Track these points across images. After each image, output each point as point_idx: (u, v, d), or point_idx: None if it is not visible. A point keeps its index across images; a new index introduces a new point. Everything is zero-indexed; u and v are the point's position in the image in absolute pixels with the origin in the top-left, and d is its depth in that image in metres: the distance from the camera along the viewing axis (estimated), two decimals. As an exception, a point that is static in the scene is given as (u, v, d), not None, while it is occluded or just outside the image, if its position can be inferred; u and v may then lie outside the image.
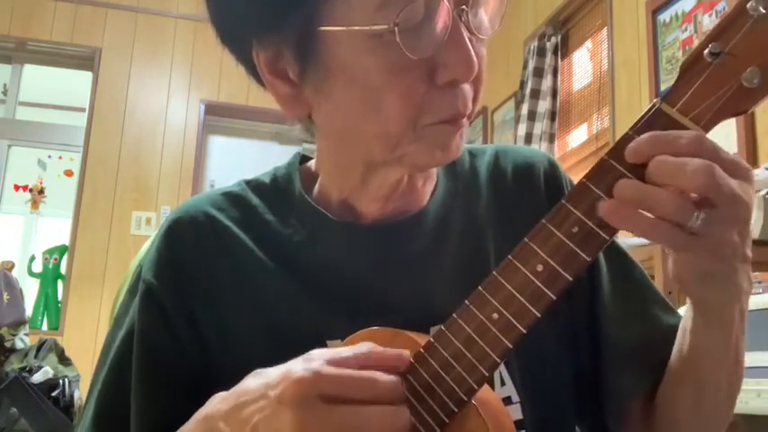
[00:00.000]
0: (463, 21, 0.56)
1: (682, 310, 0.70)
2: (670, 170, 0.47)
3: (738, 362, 0.62)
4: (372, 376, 0.49)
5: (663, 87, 2.72)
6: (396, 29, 0.54)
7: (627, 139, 0.50)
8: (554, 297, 0.50)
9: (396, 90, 0.56)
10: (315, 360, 0.49)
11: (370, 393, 0.49)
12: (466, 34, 0.56)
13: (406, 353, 0.53)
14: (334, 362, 0.49)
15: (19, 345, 3.21)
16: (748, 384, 1.40)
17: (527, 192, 0.71)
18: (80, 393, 3.20)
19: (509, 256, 0.52)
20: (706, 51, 0.49)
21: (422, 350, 0.55)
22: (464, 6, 0.56)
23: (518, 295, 0.51)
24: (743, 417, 1.57)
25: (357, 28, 0.55)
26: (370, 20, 0.55)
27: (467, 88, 0.58)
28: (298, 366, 0.49)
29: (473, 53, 0.56)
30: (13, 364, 3.10)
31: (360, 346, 0.51)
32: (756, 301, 1.44)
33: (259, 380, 0.51)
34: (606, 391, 0.68)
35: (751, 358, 1.40)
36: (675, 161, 0.47)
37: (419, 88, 0.57)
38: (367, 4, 0.55)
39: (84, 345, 4.09)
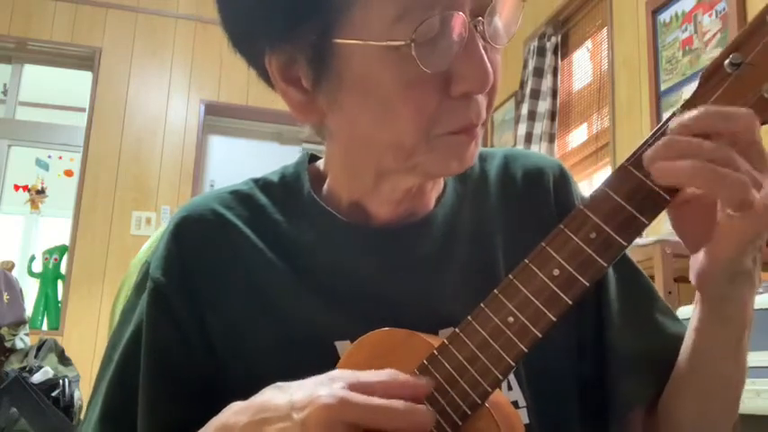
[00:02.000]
0: (479, 31, 0.56)
1: (680, 310, 0.70)
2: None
3: (744, 362, 0.63)
4: (398, 406, 0.49)
5: (663, 87, 2.72)
6: (412, 44, 0.53)
7: (646, 147, 0.50)
8: (570, 302, 0.50)
9: (410, 102, 0.56)
10: (338, 382, 0.49)
11: (395, 423, 0.49)
12: (481, 44, 0.56)
13: (428, 382, 0.53)
14: (357, 386, 0.49)
15: (19, 345, 3.21)
16: (748, 384, 1.40)
17: (536, 197, 0.71)
18: (80, 393, 3.20)
19: (525, 260, 0.52)
20: (726, 62, 0.49)
21: (435, 352, 0.54)
22: (480, 17, 0.56)
23: (534, 299, 0.51)
24: (742, 417, 1.57)
25: (373, 43, 0.55)
26: (386, 34, 0.54)
27: (480, 98, 0.58)
28: (323, 390, 0.48)
29: (488, 65, 0.56)
30: (13, 364, 3.10)
31: (382, 373, 0.51)
32: (757, 301, 1.44)
33: (282, 397, 0.50)
34: (609, 398, 0.67)
35: (751, 358, 1.40)
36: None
37: (433, 100, 0.56)
38: (383, 18, 0.54)
39: (84, 345, 4.10)
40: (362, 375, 0.50)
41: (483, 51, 0.56)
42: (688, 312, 0.67)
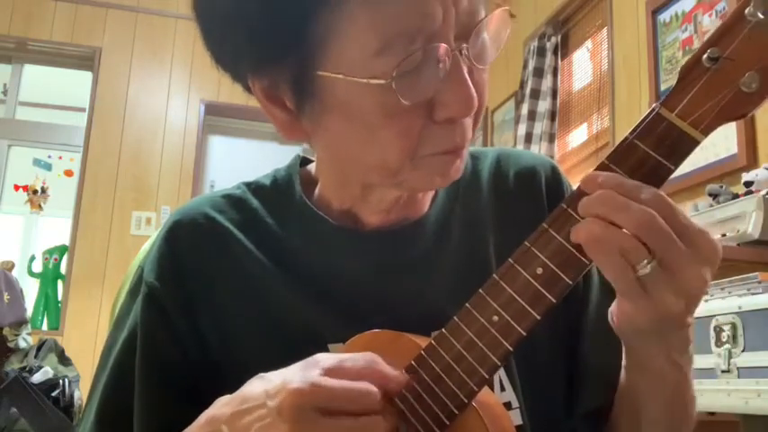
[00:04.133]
0: (464, 55, 0.55)
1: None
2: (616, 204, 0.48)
3: (685, 404, 0.62)
4: (368, 389, 0.49)
5: (663, 87, 2.73)
6: (393, 81, 0.53)
7: (627, 143, 0.51)
8: (554, 300, 0.50)
9: (393, 129, 0.56)
10: (314, 368, 0.50)
11: (366, 406, 0.49)
12: (466, 66, 0.56)
13: (404, 375, 0.53)
14: (332, 371, 0.49)
15: (22, 344, 3.21)
16: (748, 384, 1.40)
17: (528, 196, 0.71)
18: (80, 393, 3.20)
19: (509, 260, 0.53)
20: (705, 56, 0.49)
21: (423, 352, 0.55)
22: (465, 43, 0.55)
23: (518, 298, 0.51)
24: (743, 417, 1.57)
25: (355, 79, 0.54)
26: (367, 68, 0.54)
27: (466, 120, 0.58)
28: (296, 376, 0.49)
29: (473, 90, 0.55)
30: (13, 364, 3.10)
31: (361, 357, 0.51)
32: (756, 301, 1.44)
33: (261, 386, 0.51)
34: (573, 401, 0.68)
35: (751, 358, 1.41)
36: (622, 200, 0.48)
37: (417, 125, 0.56)
38: (364, 51, 0.54)
39: (84, 345, 4.09)
40: (340, 359, 0.51)
41: (467, 76, 0.55)
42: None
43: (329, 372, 0.49)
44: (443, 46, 0.54)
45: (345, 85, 0.56)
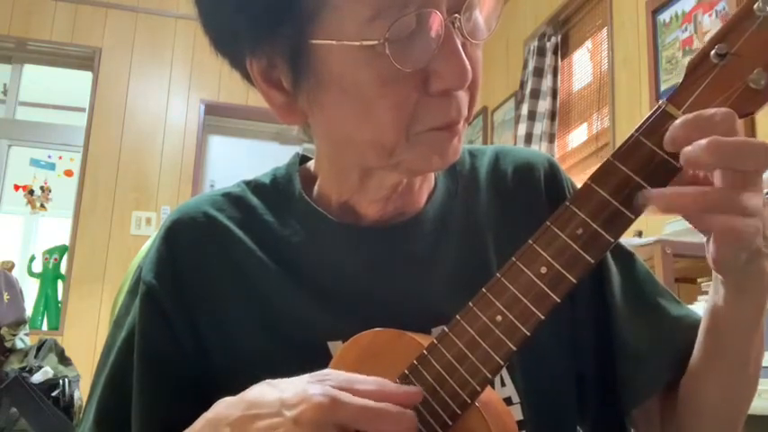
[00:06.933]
0: (456, 27, 0.56)
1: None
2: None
3: (762, 341, 0.61)
4: (389, 410, 0.49)
5: (663, 87, 2.72)
6: (386, 43, 0.53)
7: (632, 141, 0.50)
8: (558, 300, 0.50)
9: (388, 100, 0.56)
10: (327, 381, 0.50)
11: (385, 426, 0.49)
12: (459, 40, 0.56)
13: (418, 391, 0.53)
14: (347, 389, 0.49)
15: (19, 345, 3.21)
16: (748, 384, 1.40)
17: (527, 193, 0.71)
18: (80, 393, 3.20)
19: (513, 258, 0.52)
20: (712, 52, 0.48)
21: (425, 352, 0.55)
22: (457, 14, 0.55)
23: (522, 298, 0.51)
24: (743, 417, 1.56)
25: (348, 43, 0.55)
26: (361, 33, 0.54)
27: (461, 94, 0.58)
28: (315, 389, 0.49)
29: (466, 62, 0.55)
30: (13, 364, 3.10)
31: (372, 380, 0.51)
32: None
33: (273, 393, 0.51)
34: (625, 389, 0.67)
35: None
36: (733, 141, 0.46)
37: (412, 97, 0.56)
38: (357, 18, 0.54)
39: (84, 345, 4.09)
40: (352, 378, 0.51)
41: (461, 48, 0.56)
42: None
43: (342, 388, 0.49)
44: (437, 15, 0.54)
45: (340, 55, 0.56)
